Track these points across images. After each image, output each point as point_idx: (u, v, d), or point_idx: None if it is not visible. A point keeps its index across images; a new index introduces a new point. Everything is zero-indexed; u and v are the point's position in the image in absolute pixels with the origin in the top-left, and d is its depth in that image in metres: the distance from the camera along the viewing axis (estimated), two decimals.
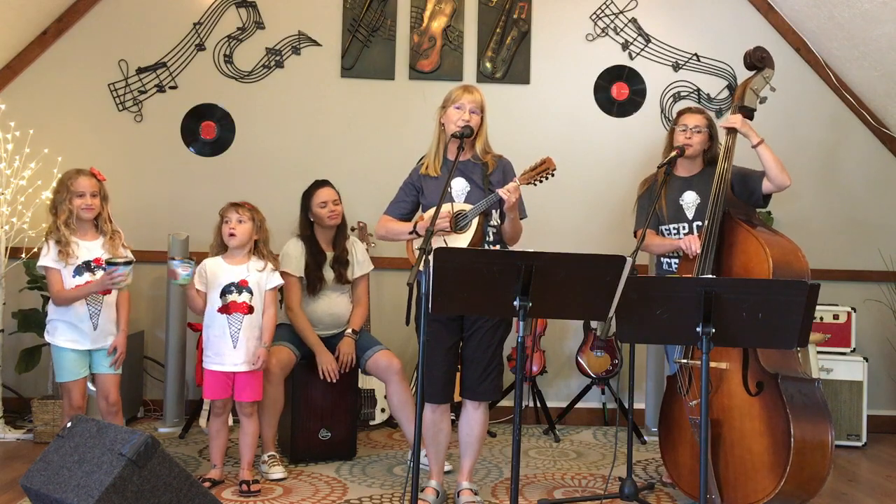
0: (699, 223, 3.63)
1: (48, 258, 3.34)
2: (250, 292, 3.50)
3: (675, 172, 3.74)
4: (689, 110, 3.78)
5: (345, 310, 3.98)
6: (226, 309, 3.47)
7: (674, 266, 3.69)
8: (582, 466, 4.01)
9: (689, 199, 3.69)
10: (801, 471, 3.00)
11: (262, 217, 3.59)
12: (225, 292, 3.48)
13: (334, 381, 3.81)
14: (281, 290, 4.00)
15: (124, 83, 4.82)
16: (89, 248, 3.39)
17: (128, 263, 3.32)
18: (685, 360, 3.31)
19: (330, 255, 3.96)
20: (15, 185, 4.35)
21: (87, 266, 3.36)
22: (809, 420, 3.05)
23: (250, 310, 3.49)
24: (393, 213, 3.43)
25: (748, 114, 3.59)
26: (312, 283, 3.89)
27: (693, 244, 3.44)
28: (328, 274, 3.93)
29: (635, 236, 3.85)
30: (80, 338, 3.35)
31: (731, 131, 3.55)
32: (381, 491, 3.55)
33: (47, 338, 3.41)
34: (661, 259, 3.80)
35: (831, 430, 3.08)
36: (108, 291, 3.39)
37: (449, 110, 3.31)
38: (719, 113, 4.86)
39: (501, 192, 3.13)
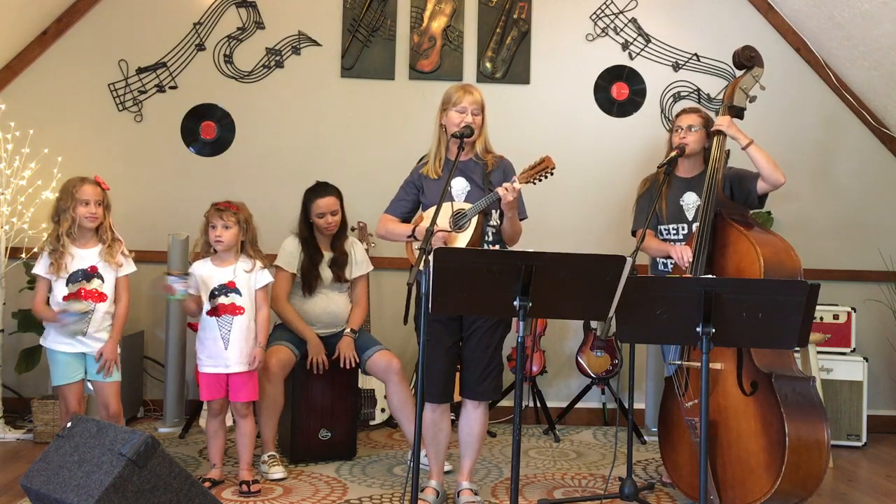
0: (698, 224, 3.63)
1: (40, 267, 3.36)
2: (239, 293, 3.50)
3: (677, 173, 3.74)
4: (683, 111, 3.79)
5: (343, 309, 3.98)
6: (215, 311, 3.47)
7: (669, 266, 3.70)
8: (582, 466, 4.01)
9: (690, 201, 3.69)
10: (798, 469, 3.00)
11: (249, 214, 3.58)
12: (213, 295, 3.48)
13: (321, 372, 3.81)
14: None
15: (124, 83, 4.82)
16: (86, 256, 3.38)
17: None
18: (679, 362, 3.32)
19: (328, 255, 3.96)
20: (15, 185, 4.35)
21: (83, 274, 3.36)
22: (804, 418, 3.04)
23: (240, 311, 3.49)
24: (394, 212, 3.43)
25: (738, 113, 3.59)
26: (308, 282, 3.90)
27: (684, 256, 3.45)
28: (325, 273, 3.93)
29: (633, 235, 3.85)
30: (72, 340, 3.34)
31: (720, 133, 3.55)
32: (381, 491, 3.55)
33: (42, 342, 3.41)
34: (657, 259, 3.80)
35: (827, 427, 3.07)
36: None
37: (450, 112, 3.30)
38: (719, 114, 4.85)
39: (500, 189, 3.12)
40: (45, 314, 3.34)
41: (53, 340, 3.35)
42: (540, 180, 3.22)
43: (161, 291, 3.43)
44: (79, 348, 3.35)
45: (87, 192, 3.37)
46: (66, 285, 3.33)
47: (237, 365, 3.47)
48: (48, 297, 3.39)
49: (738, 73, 3.71)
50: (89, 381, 3.41)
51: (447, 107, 3.32)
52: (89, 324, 3.33)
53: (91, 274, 3.36)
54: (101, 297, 3.38)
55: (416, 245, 3.31)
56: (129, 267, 3.49)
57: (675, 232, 3.72)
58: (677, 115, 3.78)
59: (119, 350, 3.44)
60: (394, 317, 4.75)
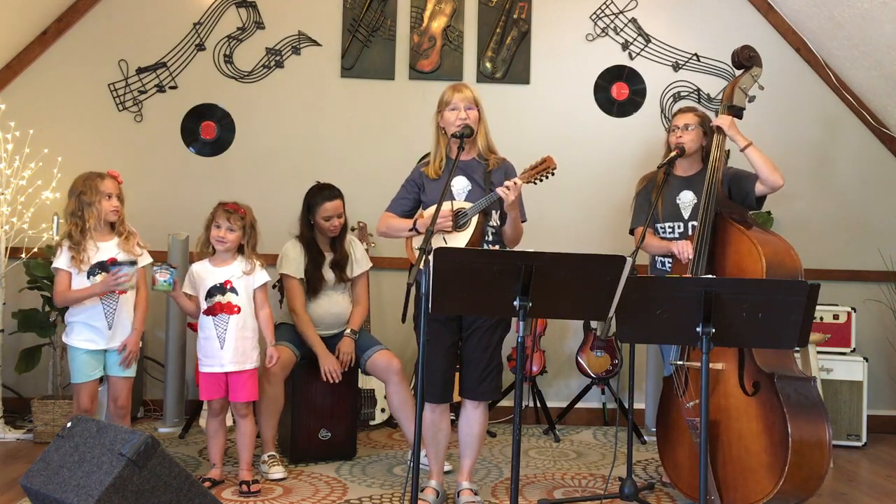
0: (694, 223, 3.63)
1: (62, 261, 3.35)
2: (235, 292, 3.50)
3: (674, 172, 3.74)
4: (680, 110, 3.80)
5: (345, 309, 3.98)
6: (211, 310, 3.48)
7: (668, 265, 3.70)
8: (582, 466, 4.01)
9: (687, 199, 3.69)
10: (800, 470, 3.00)
11: (254, 218, 3.59)
12: (210, 294, 3.49)
13: (337, 381, 3.81)
14: (282, 291, 4.00)
15: (124, 83, 4.82)
16: (104, 248, 3.39)
17: (132, 264, 3.35)
18: (681, 362, 3.32)
19: (329, 256, 3.96)
20: (15, 185, 4.35)
21: (101, 266, 3.36)
22: (806, 419, 3.04)
23: (236, 310, 3.49)
24: (394, 210, 3.43)
25: (737, 113, 3.59)
26: (313, 284, 3.89)
27: (685, 250, 3.45)
28: (328, 274, 3.93)
29: (631, 234, 3.86)
30: (96, 336, 3.35)
31: (720, 131, 3.55)
32: (381, 491, 3.55)
33: (64, 338, 3.42)
34: (657, 258, 3.80)
35: (828, 428, 3.07)
36: (123, 292, 3.39)
37: (445, 113, 3.31)
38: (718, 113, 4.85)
39: (500, 190, 3.12)
40: (77, 294, 3.32)
41: (76, 337, 3.36)
42: (541, 180, 3.22)
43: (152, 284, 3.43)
44: (100, 345, 3.36)
45: (108, 185, 3.40)
46: (88, 278, 3.34)
47: (232, 364, 3.46)
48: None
49: (738, 72, 3.71)
50: (107, 374, 3.42)
51: (442, 108, 3.33)
52: (133, 279, 3.36)
53: (110, 265, 3.37)
54: (109, 291, 3.38)
55: (416, 244, 3.31)
56: (146, 258, 3.51)
57: (671, 230, 3.72)
58: (674, 115, 3.79)
59: (140, 343, 3.47)
60: (394, 317, 4.75)
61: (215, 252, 3.55)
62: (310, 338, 3.85)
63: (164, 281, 3.38)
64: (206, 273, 3.52)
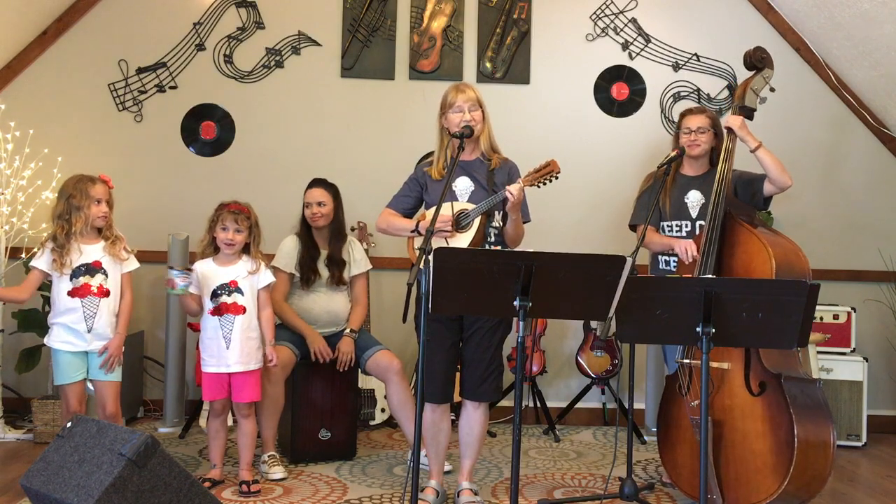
0: (702, 222, 3.62)
1: (41, 262, 3.35)
2: (241, 293, 3.50)
3: (682, 171, 3.74)
4: (690, 112, 3.76)
5: (342, 307, 3.98)
6: (217, 311, 3.48)
7: (672, 265, 3.69)
8: (582, 466, 4.01)
9: (694, 199, 3.68)
10: (805, 471, 3.00)
11: (256, 217, 3.60)
12: (216, 294, 3.49)
13: (327, 360, 3.82)
14: None
15: (124, 83, 4.82)
16: (90, 251, 3.38)
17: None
18: (687, 361, 3.31)
19: (325, 252, 3.96)
20: (15, 185, 4.35)
21: (86, 269, 3.36)
22: (812, 420, 3.05)
23: (242, 310, 3.49)
24: (395, 207, 3.43)
25: (748, 114, 3.58)
26: (306, 275, 3.90)
27: (689, 250, 3.44)
28: (323, 270, 3.93)
29: (631, 230, 3.85)
30: (75, 339, 3.33)
31: (731, 131, 3.55)
32: (381, 491, 3.55)
33: (46, 340, 3.40)
34: (659, 258, 3.79)
35: (833, 430, 3.08)
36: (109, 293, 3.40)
37: (448, 115, 3.30)
38: (720, 113, 4.85)
39: (506, 191, 3.12)
40: (9, 295, 3.51)
41: (55, 339, 3.35)
42: (544, 183, 3.22)
43: (164, 286, 3.42)
44: (80, 347, 3.35)
45: (99, 190, 3.39)
46: (70, 280, 3.33)
47: (238, 364, 3.47)
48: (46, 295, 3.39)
49: (749, 73, 3.69)
50: (90, 380, 3.41)
51: (445, 110, 3.33)
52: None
53: (95, 269, 3.36)
54: (104, 292, 3.38)
55: (417, 243, 3.31)
56: (133, 263, 3.49)
57: (677, 229, 3.71)
58: (682, 116, 3.76)
59: (123, 348, 3.44)
60: (394, 317, 4.74)
61: (217, 251, 3.55)
62: (293, 323, 3.88)
63: (184, 285, 3.42)
64: (211, 273, 3.51)
